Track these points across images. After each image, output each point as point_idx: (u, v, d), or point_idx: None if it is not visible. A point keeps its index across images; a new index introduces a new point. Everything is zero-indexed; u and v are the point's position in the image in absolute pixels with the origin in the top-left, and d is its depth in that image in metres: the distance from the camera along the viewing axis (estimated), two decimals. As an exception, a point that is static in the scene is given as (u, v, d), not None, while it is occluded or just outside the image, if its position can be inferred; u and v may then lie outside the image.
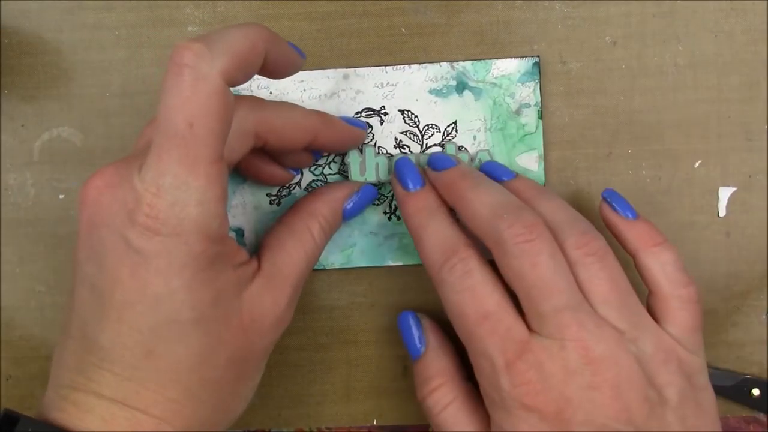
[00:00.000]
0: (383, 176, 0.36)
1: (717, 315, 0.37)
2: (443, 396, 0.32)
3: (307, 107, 0.34)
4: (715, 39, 0.37)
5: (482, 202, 0.31)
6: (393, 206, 0.37)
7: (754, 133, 0.37)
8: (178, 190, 0.25)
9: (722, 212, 0.37)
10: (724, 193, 0.37)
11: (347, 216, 0.34)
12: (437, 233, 0.31)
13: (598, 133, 0.37)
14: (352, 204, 0.34)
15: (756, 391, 0.37)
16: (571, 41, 0.37)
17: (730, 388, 0.37)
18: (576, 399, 0.28)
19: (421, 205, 0.32)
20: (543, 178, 0.37)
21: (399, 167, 0.34)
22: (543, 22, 0.37)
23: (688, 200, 0.37)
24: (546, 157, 0.37)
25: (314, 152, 0.35)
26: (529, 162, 0.37)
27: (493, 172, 0.35)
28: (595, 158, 0.37)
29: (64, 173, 0.38)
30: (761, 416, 0.37)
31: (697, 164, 0.37)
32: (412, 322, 0.35)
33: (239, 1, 0.37)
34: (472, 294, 0.30)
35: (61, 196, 0.38)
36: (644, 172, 0.37)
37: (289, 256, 0.31)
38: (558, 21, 0.37)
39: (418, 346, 0.34)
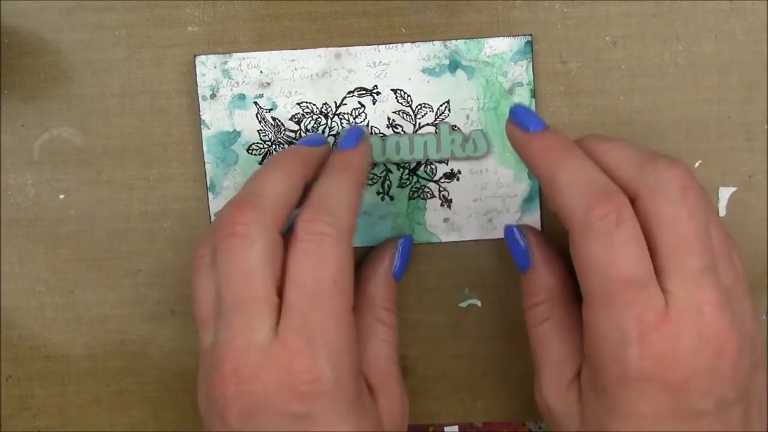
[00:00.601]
0: (377, 157, 0.36)
1: (717, 315, 0.37)
2: (541, 313, 0.32)
3: (299, 86, 0.35)
4: (715, 39, 0.37)
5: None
6: (386, 187, 0.37)
7: (754, 133, 0.37)
8: (329, 344, 0.28)
9: (722, 212, 0.37)
10: (724, 193, 0.37)
11: (399, 277, 0.35)
12: (581, 171, 0.28)
13: (598, 133, 0.37)
14: (397, 266, 0.35)
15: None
16: (571, 41, 0.37)
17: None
18: (702, 369, 0.26)
19: (550, 142, 0.29)
20: None
21: (517, 110, 0.31)
22: (543, 22, 0.37)
23: (688, 200, 0.37)
24: (546, 157, 0.37)
25: None
26: None
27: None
28: (595, 158, 0.37)
29: (64, 173, 0.38)
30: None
31: (697, 164, 0.37)
32: (517, 236, 0.34)
33: (239, 1, 0.37)
34: (623, 252, 0.26)
35: (61, 196, 0.38)
36: (644, 172, 0.37)
37: (378, 358, 0.32)
38: (558, 21, 0.37)
39: (525, 260, 0.33)
